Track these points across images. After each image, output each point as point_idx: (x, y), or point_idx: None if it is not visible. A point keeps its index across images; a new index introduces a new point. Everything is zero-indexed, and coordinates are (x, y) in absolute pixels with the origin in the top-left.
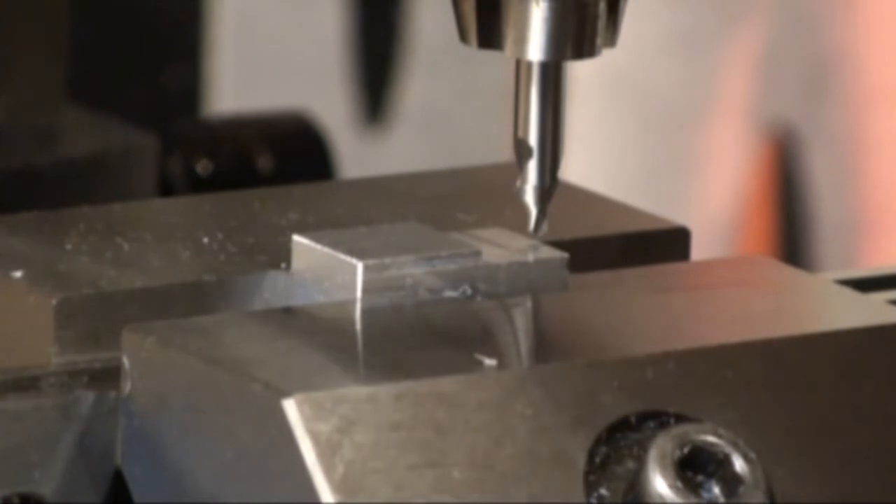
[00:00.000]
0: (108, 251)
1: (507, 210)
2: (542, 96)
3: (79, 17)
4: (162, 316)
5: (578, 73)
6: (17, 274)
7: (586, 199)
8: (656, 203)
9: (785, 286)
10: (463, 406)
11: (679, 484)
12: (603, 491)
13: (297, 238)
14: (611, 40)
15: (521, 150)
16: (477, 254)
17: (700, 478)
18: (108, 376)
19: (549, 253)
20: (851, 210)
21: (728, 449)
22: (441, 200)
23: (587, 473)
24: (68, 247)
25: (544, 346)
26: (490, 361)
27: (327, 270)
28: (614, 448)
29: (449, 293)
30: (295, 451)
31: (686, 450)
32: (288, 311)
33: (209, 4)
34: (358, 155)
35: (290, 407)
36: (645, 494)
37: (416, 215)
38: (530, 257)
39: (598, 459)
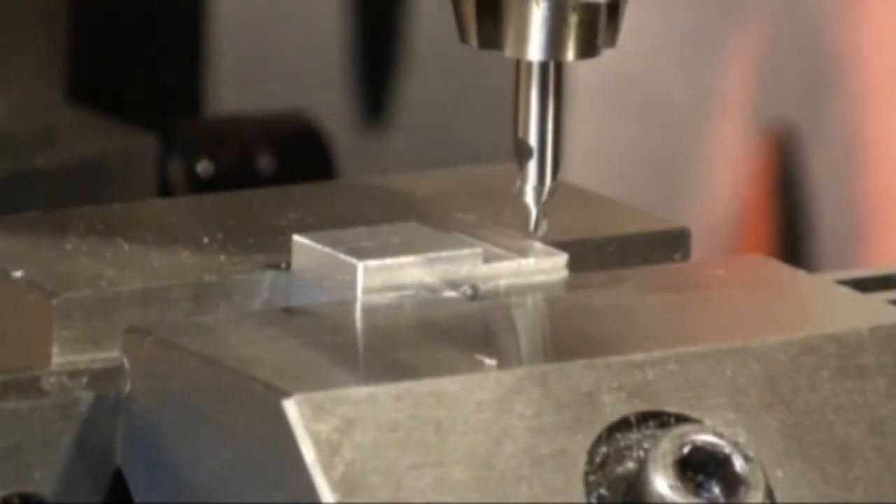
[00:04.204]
0: (108, 251)
1: (507, 210)
2: (542, 96)
3: (79, 17)
4: (162, 316)
5: (578, 73)
6: (17, 274)
7: (586, 199)
8: (656, 203)
9: (785, 286)
10: (463, 406)
11: (679, 484)
12: (603, 491)
13: (297, 238)
14: (611, 40)
15: (521, 150)
16: (477, 254)
17: (700, 478)
18: (108, 376)
19: (549, 253)
20: (851, 210)
21: (728, 449)
22: (441, 200)
23: (587, 473)
24: (68, 247)
25: (544, 346)
26: (490, 361)
27: (327, 270)
28: (614, 448)
29: (449, 293)
30: (295, 451)
31: (686, 450)
32: (288, 311)
33: (209, 4)
34: (358, 155)
35: (290, 407)
36: (645, 494)
37: (416, 215)
38: (530, 257)
39: (598, 459)
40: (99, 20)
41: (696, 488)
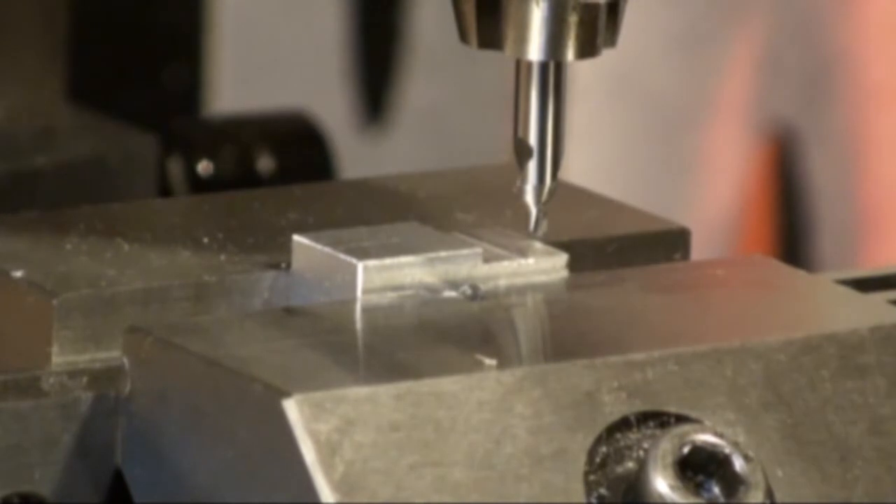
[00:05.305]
0: (108, 251)
1: (507, 210)
2: (542, 96)
3: (79, 17)
4: (162, 316)
5: (578, 73)
6: (17, 274)
7: (586, 199)
8: (656, 203)
9: (785, 286)
10: (463, 406)
11: (679, 484)
12: (603, 491)
13: (297, 238)
14: (611, 40)
15: (521, 150)
16: (477, 254)
17: (700, 478)
18: (108, 376)
19: (549, 253)
20: (851, 210)
21: (728, 449)
22: (441, 200)
23: (587, 473)
24: (68, 247)
25: (544, 346)
26: (490, 361)
27: (327, 270)
28: (614, 448)
29: (449, 293)
30: (295, 451)
31: (686, 450)
32: (288, 311)
33: (209, 4)
34: (358, 155)
35: (290, 407)
36: (645, 494)
37: (416, 215)
38: (530, 257)
39: (598, 459)
40: (99, 20)
41: (696, 488)
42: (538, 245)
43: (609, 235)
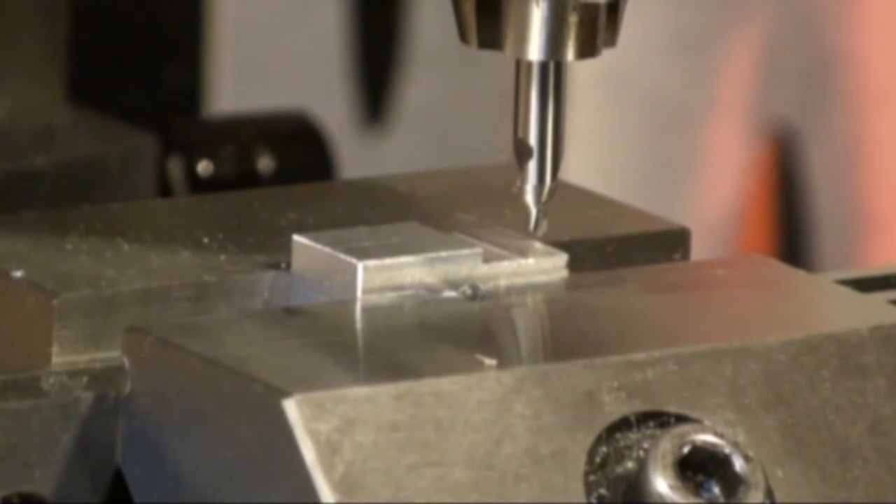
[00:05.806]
0: (108, 251)
1: (507, 210)
2: (542, 96)
3: (79, 17)
4: (162, 316)
5: (578, 73)
6: (17, 274)
7: (586, 199)
8: (656, 203)
9: (785, 286)
10: (463, 406)
11: (679, 484)
12: (603, 491)
13: (297, 238)
14: (611, 40)
15: (521, 150)
16: (477, 254)
17: (700, 478)
18: (108, 376)
19: (549, 253)
20: (851, 210)
21: (728, 449)
22: (441, 200)
23: (587, 473)
24: (68, 247)
25: (544, 346)
26: (490, 361)
27: (327, 270)
28: (614, 448)
29: (449, 293)
30: (295, 451)
31: (686, 450)
32: (288, 311)
33: (209, 4)
34: (358, 155)
35: (290, 407)
36: (645, 494)
37: (416, 215)
38: (530, 257)
39: (598, 459)
40: (99, 20)
41: (696, 488)
42: (538, 245)
43: (609, 235)
